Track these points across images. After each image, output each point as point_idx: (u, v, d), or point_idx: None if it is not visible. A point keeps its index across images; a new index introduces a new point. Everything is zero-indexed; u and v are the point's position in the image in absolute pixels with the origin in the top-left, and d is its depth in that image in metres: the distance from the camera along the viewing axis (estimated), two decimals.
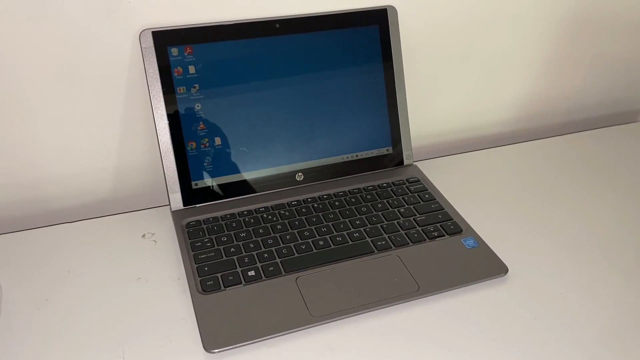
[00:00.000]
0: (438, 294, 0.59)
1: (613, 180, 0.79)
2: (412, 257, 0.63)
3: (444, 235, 0.66)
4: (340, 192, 0.72)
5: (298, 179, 0.72)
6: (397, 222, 0.68)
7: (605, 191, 0.77)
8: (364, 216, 0.68)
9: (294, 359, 0.52)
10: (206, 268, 0.61)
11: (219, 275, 0.60)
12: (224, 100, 0.67)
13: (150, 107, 0.66)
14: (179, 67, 0.65)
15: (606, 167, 0.82)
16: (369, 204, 0.70)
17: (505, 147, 0.87)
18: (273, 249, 0.63)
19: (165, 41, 0.64)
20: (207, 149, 0.68)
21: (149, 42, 0.64)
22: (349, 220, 0.68)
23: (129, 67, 0.67)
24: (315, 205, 0.70)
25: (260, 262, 0.61)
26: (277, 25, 0.68)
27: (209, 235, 0.65)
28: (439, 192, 0.74)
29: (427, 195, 0.72)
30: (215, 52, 0.66)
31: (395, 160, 0.76)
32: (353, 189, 0.73)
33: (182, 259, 0.62)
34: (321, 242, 0.64)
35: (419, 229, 0.67)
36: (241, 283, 0.59)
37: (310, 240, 0.64)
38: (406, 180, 0.75)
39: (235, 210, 0.68)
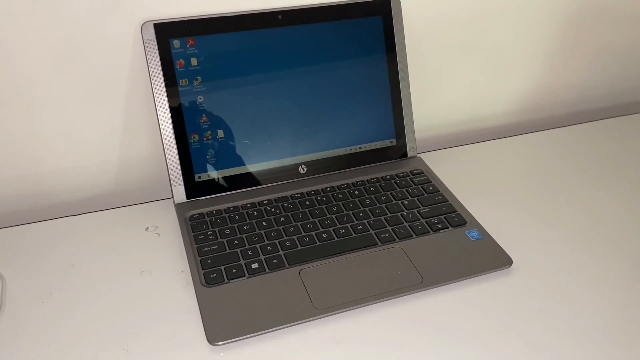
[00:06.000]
0: (442, 286, 0.59)
1: (618, 172, 0.79)
2: (416, 250, 0.63)
3: (448, 228, 0.66)
4: (344, 184, 0.72)
5: (301, 172, 0.72)
6: (400, 215, 0.67)
7: (610, 182, 0.76)
8: (367, 208, 0.68)
9: (298, 351, 0.53)
10: (209, 261, 0.61)
11: (222, 267, 0.60)
12: (226, 92, 0.67)
13: (152, 99, 0.66)
14: (181, 60, 0.65)
15: (611, 158, 0.82)
16: (372, 196, 0.70)
17: (509, 139, 0.87)
18: (276, 241, 0.63)
19: (167, 33, 0.64)
20: (209, 142, 0.68)
21: (151, 34, 0.64)
22: (352, 213, 0.67)
23: (131, 59, 0.67)
24: (319, 197, 0.70)
25: (263, 255, 0.61)
26: (280, 17, 0.68)
27: (212, 228, 0.65)
28: (442, 184, 0.73)
29: (430, 187, 0.72)
30: (217, 44, 0.66)
31: (399, 152, 0.76)
32: (356, 181, 0.72)
33: (186, 251, 0.63)
34: (324, 235, 0.64)
35: (423, 221, 0.67)
36: (244, 276, 0.59)
37: (313, 233, 0.64)
38: (410, 172, 0.75)
39: (239, 203, 0.68)
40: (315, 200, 0.69)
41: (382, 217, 0.67)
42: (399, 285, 0.58)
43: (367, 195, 0.70)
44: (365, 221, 0.66)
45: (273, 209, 0.68)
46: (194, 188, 0.68)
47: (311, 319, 0.55)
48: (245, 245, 0.63)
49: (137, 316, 0.56)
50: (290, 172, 0.71)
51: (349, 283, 0.58)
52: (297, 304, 0.56)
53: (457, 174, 0.76)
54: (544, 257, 0.64)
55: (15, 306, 0.57)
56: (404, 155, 0.76)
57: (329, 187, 0.71)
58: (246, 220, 0.66)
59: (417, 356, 0.52)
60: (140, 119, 0.71)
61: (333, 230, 0.65)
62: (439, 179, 0.74)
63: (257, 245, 0.63)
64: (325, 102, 0.71)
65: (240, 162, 0.69)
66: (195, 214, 0.67)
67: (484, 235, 0.65)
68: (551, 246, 0.65)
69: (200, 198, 0.69)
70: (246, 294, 0.57)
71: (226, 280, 0.59)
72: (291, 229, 0.65)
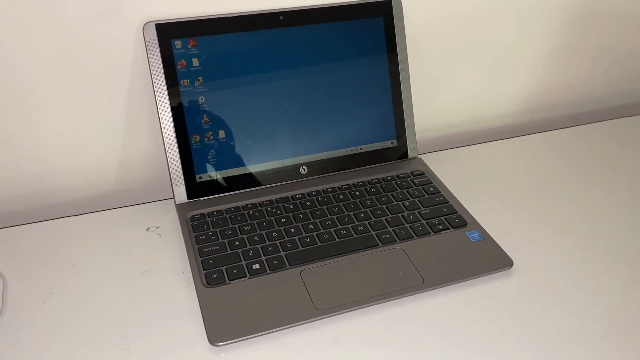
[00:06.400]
0: (443, 288, 0.59)
1: (619, 173, 0.79)
2: (416, 251, 0.63)
3: (449, 229, 0.66)
4: (345, 185, 0.72)
5: (302, 172, 0.72)
6: (401, 216, 0.67)
7: (611, 184, 0.76)
8: (368, 209, 0.68)
9: (299, 352, 0.53)
10: (211, 261, 0.61)
11: (223, 268, 0.60)
12: (227, 93, 0.67)
13: (154, 100, 0.66)
14: (182, 60, 0.65)
15: (612, 160, 0.82)
16: (373, 197, 0.70)
17: (510, 140, 0.87)
18: (277, 242, 0.63)
19: (169, 34, 0.64)
20: (211, 142, 0.68)
21: (153, 34, 0.64)
22: (353, 214, 0.67)
23: (132, 60, 0.67)
24: (320, 198, 0.70)
25: (264, 256, 0.61)
26: (281, 17, 0.68)
27: (213, 228, 0.65)
28: (443, 185, 0.73)
29: (431, 189, 0.72)
30: (219, 45, 0.66)
31: (400, 153, 0.76)
32: (357, 182, 0.72)
33: (187, 252, 0.63)
34: (325, 236, 0.64)
35: (424, 222, 0.67)
36: (246, 276, 0.59)
37: (314, 234, 0.64)
38: (411, 173, 0.75)
39: (240, 204, 0.68)
40: (316, 201, 0.69)
41: (383, 218, 0.67)
42: (400, 286, 0.58)
43: (367, 196, 0.70)
44: (366, 222, 0.66)
45: (274, 210, 0.68)
46: (195, 188, 0.68)
47: (312, 319, 0.55)
48: (246, 246, 0.63)
49: (138, 316, 0.56)
50: (291, 172, 0.71)
51: (350, 284, 0.58)
52: (298, 304, 0.56)
53: (458, 175, 0.76)
54: (545, 258, 0.64)
55: (17, 306, 0.57)
56: (405, 156, 0.76)
57: (329, 188, 0.71)
58: (247, 221, 0.66)
59: (417, 357, 0.52)
60: (141, 119, 0.71)
61: (334, 231, 0.65)
62: (440, 180, 0.74)
63: (258, 246, 0.63)
64: (326, 103, 0.71)
65: (241, 163, 0.69)
66: (196, 215, 0.67)
67: (485, 236, 0.65)
68: (552, 248, 0.65)
69: (202, 198, 0.69)
70: (247, 294, 0.57)
71: (227, 280, 0.59)
72: (292, 230, 0.65)
